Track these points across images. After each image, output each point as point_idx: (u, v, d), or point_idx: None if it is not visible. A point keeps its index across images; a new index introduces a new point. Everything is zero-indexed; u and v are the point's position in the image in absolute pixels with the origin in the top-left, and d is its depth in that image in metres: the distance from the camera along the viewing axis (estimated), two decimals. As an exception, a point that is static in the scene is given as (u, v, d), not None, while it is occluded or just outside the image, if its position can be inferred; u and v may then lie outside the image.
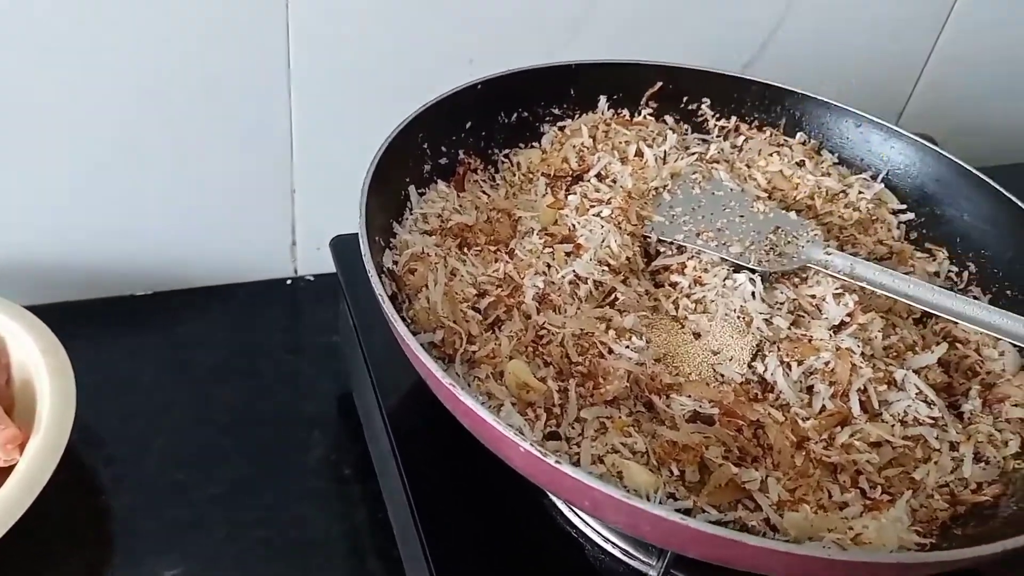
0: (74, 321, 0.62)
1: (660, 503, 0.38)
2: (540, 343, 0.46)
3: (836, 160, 0.66)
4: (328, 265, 0.79)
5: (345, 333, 0.66)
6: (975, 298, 0.58)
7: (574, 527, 0.50)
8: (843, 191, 0.62)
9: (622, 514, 0.34)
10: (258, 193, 0.74)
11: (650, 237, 0.56)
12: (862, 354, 0.48)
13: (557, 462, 0.34)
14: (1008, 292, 0.57)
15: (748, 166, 0.63)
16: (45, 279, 0.71)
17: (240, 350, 0.72)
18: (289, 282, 0.81)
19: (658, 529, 0.34)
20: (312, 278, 0.82)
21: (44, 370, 0.58)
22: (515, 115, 0.62)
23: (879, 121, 0.64)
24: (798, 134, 0.67)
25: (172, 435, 0.64)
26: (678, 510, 0.35)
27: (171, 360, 0.70)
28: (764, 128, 0.67)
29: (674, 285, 0.53)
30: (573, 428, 0.43)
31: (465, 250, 0.51)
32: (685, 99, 0.67)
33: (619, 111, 0.65)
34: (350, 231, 0.66)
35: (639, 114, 0.65)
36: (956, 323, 0.54)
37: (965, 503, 0.45)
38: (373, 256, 0.43)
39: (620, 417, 0.44)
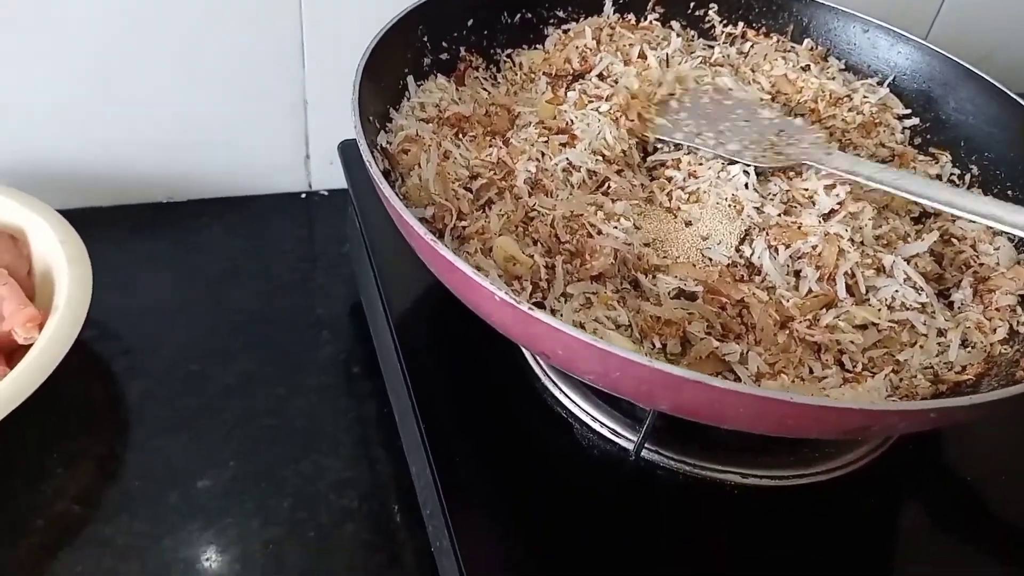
0: (95, 226, 0.64)
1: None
2: (530, 223, 0.47)
3: (843, 66, 0.66)
4: (340, 181, 0.81)
5: (353, 237, 0.68)
6: (976, 198, 0.58)
7: (564, 408, 0.51)
8: (848, 95, 0.62)
9: (593, 361, 0.35)
10: (271, 105, 0.76)
11: (648, 136, 0.56)
12: (851, 240, 0.48)
13: (530, 308, 0.35)
14: (1009, 192, 0.57)
15: (752, 70, 0.63)
16: (68, 184, 0.73)
17: (254, 257, 0.74)
18: (303, 196, 0.83)
19: (627, 374, 0.35)
20: (326, 192, 0.83)
21: (63, 259, 0.60)
22: (519, 15, 0.62)
23: (886, 26, 0.64)
24: (805, 40, 0.66)
25: (186, 331, 0.67)
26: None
27: (186, 264, 0.73)
28: (771, 34, 0.66)
29: (669, 179, 0.54)
30: (559, 302, 0.44)
31: (460, 137, 0.52)
32: (692, 5, 0.67)
33: (624, 15, 0.65)
34: (358, 136, 0.68)
35: (645, 19, 0.65)
36: (954, 220, 0.54)
37: (947, 382, 0.45)
38: (366, 133, 0.44)
39: (605, 292, 0.45)
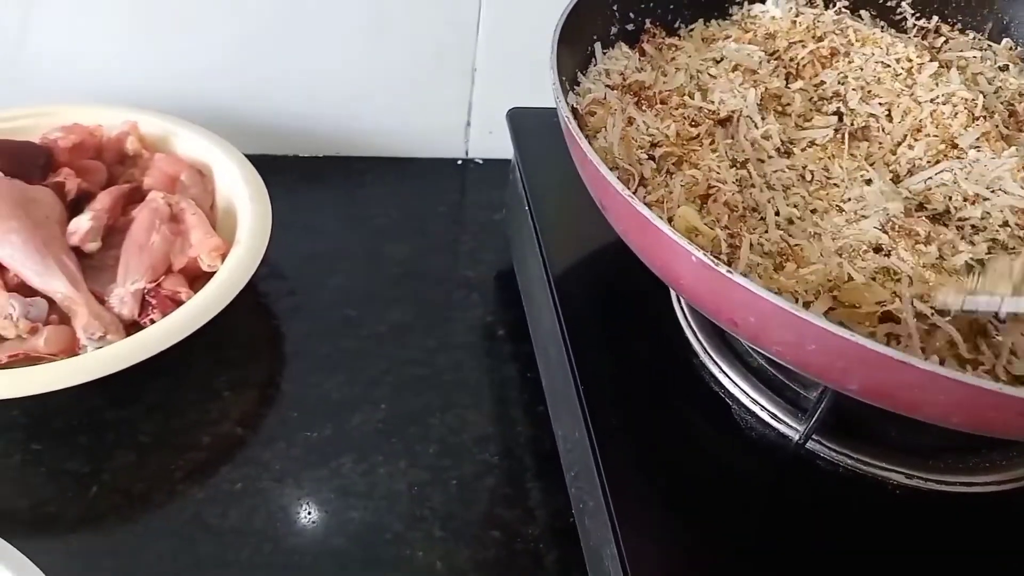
0: (270, 172, 0.67)
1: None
2: (710, 199, 0.47)
3: (1045, 70, 0.62)
4: (497, 151, 0.82)
5: (512, 204, 0.69)
6: None
7: (723, 388, 0.50)
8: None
9: (787, 330, 0.35)
10: (442, 71, 0.78)
11: None
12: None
13: (728, 271, 0.35)
14: None
15: (946, 67, 0.61)
16: (251, 130, 0.78)
17: (411, 215, 0.77)
18: (460, 162, 0.85)
19: (825, 347, 0.34)
20: (481, 161, 0.85)
21: (246, 196, 0.64)
22: (707, -10, 0.62)
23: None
24: (1004, 40, 0.63)
25: (346, 278, 0.69)
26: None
27: (350, 215, 0.76)
28: (967, 31, 0.63)
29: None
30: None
31: (641, 105, 0.52)
32: (885, -6, 0.64)
33: (813, 1, 0.64)
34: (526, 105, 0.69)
35: (833, 5, 0.63)
36: None
37: None
38: (561, 88, 0.45)
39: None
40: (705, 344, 0.52)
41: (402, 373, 0.62)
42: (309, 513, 0.53)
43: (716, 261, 0.35)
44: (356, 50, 0.75)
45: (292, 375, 0.62)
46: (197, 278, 0.60)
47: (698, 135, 0.48)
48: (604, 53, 0.56)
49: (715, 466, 0.48)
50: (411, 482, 0.56)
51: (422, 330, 0.66)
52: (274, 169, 0.75)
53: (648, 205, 0.44)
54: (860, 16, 0.64)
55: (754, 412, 0.49)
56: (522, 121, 0.69)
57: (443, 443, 0.58)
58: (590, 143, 0.46)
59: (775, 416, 0.48)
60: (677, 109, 0.52)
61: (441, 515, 0.54)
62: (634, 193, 0.43)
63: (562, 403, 0.54)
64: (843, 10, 0.63)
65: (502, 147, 0.70)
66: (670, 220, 0.46)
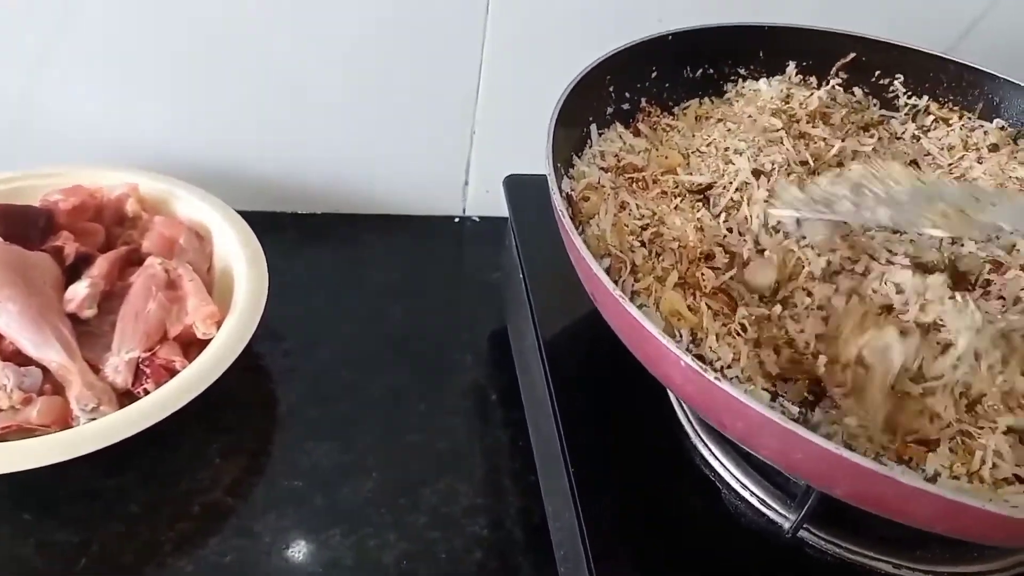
0: (266, 230, 0.68)
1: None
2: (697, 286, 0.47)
3: (1037, 151, 0.63)
4: (493, 209, 0.83)
5: (508, 268, 0.70)
6: None
7: (713, 471, 0.51)
8: (1037, 182, 0.59)
9: (775, 439, 0.35)
10: (441, 132, 0.79)
11: None
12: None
13: (716, 378, 0.35)
14: None
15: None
16: (247, 188, 0.78)
17: (409, 275, 0.77)
18: (457, 220, 0.85)
19: (811, 457, 0.34)
20: (478, 219, 0.86)
21: (243, 260, 0.64)
22: (700, 71, 0.62)
23: (1089, 112, 0.61)
24: (995, 120, 0.64)
25: (343, 339, 0.70)
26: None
27: (347, 274, 0.76)
28: (956, 109, 0.64)
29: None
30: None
31: (633, 186, 0.52)
32: (878, 72, 0.65)
33: (807, 78, 0.65)
34: (522, 172, 0.70)
35: (827, 83, 0.64)
36: None
37: None
38: (556, 175, 0.46)
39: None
40: (697, 427, 0.52)
41: (394, 441, 0.63)
42: (298, 587, 0.53)
43: (704, 367, 0.36)
44: (356, 109, 0.76)
45: (284, 441, 0.62)
46: (193, 344, 0.60)
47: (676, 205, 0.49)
48: (600, 134, 0.56)
49: (706, 555, 0.48)
50: (399, 554, 0.56)
51: (417, 395, 0.66)
52: (273, 226, 0.76)
53: (637, 293, 0.44)
54: (853, 93, 0.65)
55: (744, 498, 0.49)
56: (519, 188, 0.69)
57: (433, 514, 0.58)
58: (583, 230, 0.47)
59: (765, 503, 0.48)
60: (669, 187, 0.52)
61: (429, 590, 0.54)
62: (624, 281, 0.44)
63: (553, 479, 0.54)
64: (836, 88, 0.64)
65: (500, 204, 0.70)
66: (657, 306, 0.46)
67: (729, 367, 0.43)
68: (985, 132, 0.63)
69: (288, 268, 0.74)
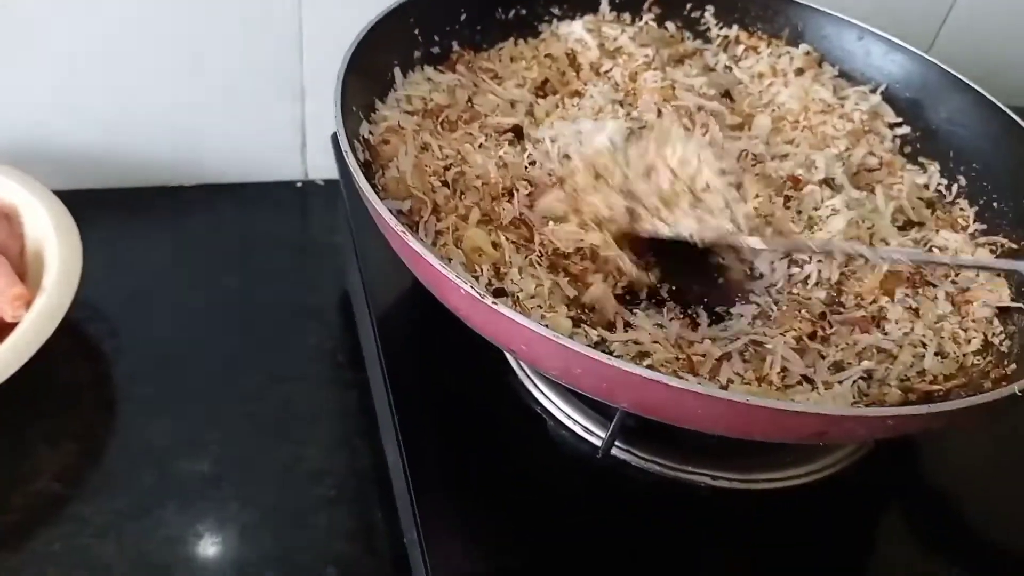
0: (88, 208, 0.64)
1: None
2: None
3: (836, 73, 0.65)
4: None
5: (343, 229, 0.69)
6: (962, 210, 0.58)
7: (539, 404, 0.51)
8: (839, 104, 0.62)
9: (555, 356, 0.36)
10: (269, 92, 0.76)
11: None
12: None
13: (493, 303, 0.35)
14: (995, 204, 0.57)
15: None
16: (66, 165, 0.74)
17: (246, 244, 0.75)
18: (299, 184, 0.83)
19: (588, 371, 0.35)
20: (322, 182, 0.84)
21: (54, 240, 0.61)
22: (513, 11, 0.62)
23: (880, 33, 0.64)
24: (801, 45, 0.66)
25: (174, 314, 0.67)
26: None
27: (178, 248, 0.74)
28: (765, 37, 0.66)
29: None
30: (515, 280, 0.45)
31: (442, 127, 0.52)
32: (688, 6, 0.67)
33: (620, 14, 0.65)
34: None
35: (640, 18, 0.65)
36: (937, 231, 0.54)
37: (917, 391, 0.45)
38: (346, 124, 0.45)
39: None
40: (521, 362, 0.52)
41: (233, 412, 0.61)
42: (134, 568, 0.51)
43: (483, 293, 0.36)
44: (176, 74, 0.73)
45: (115, 422, 0.59)
46: (3, 330, 0.57)
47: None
48: (405, 77, 0.56)
49: (532, 485, 0.48)
50: (243, 524, 0.54)
51: (256, 363, 0.64)
52: (98, 203, 0.73)
53: (441, 232, 0.44)
54: (666, 27, 0.66)
55: (567, 426, 0.50)
56: (346, 144, 0.68)
57: (276, 481, 0.57)
58: (384, 174, 0.46)
59: (587, 429, 0.50)
60: (478, 128, 0.52)
61: (273, 557, 0.53)
62: (426, 222, 0.43)
63: (387, 429, 0.54)
64: (649, 23, 0.65)
65: (343, 165, 0.68)
66: (459, 242, 0.46)
67: (532, 297, 0.44)
68: (791, 58, 0.65)
69: (114, 246, 0.71)
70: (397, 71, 0.55)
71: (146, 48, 0.70)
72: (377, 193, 0.42)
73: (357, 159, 0.43)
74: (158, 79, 0.72)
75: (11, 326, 0.57)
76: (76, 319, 0.58)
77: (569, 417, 0.50)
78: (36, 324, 0.55)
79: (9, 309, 0.56)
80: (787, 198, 0.53)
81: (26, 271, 0.62)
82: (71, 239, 0.61)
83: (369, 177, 0.44)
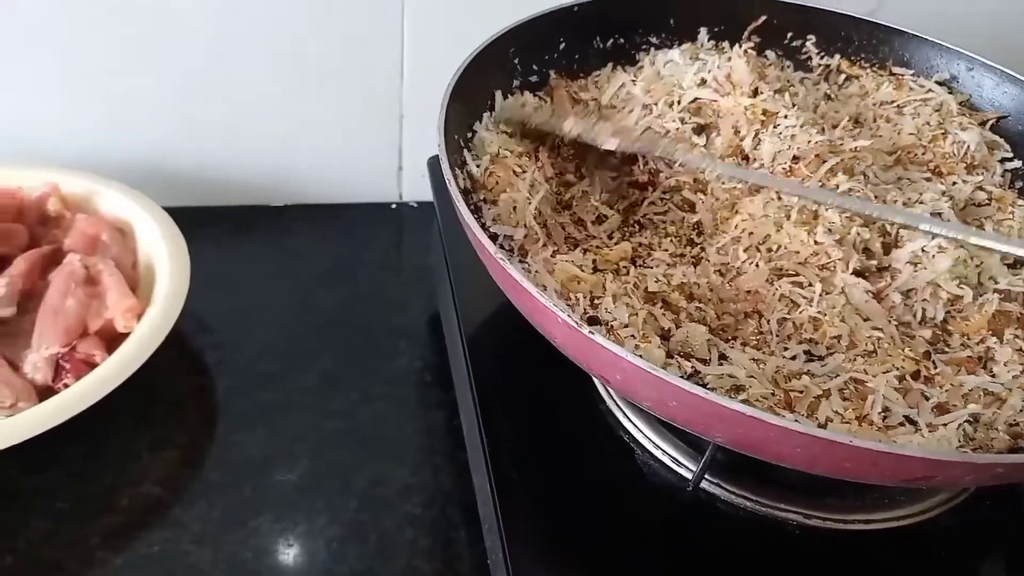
0: (197, 224, 0.68)
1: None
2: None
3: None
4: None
5: (436, 252, 0.70)
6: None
7: (627, 432, 0.51)
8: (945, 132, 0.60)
9: (649, 387, 0.35)
10: (368, 117, 0.79)
11: None
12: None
13: (590, 332, 0.36)
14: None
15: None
16: (175, 184, 0.78)
17: (342, 263, 0.77)
18: (394, 206, 0.85)
19: (683, 404, 0.35)
20: (416, 204, 0.85)
21: (164, 255, 0.64)
22: (611, 41, 0.63)
23: (992, 64, 0.61)
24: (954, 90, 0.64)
25: (273, 329, 0.70)
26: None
27: (278, 265, 0.76)
28: (867, 67, 0.65)
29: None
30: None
31: (540, 152, 0.52)
32: (790, 35, 0.66)
33: (719, 44, 0.65)
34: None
35: (739, 47, 0.64)
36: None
37: (1026, 438, 0.43)
38: (449, 152, 0.46)
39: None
40: (611, 390, 0.52)
41: (325, 427, 0.63)
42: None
43: (579, 323, 0.36)
44: (281, 97, 0.76)
45: (215, 433, 0.62)
46: (115, 340, 0.60)
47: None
48: (505, 100, 0.56)
49: (619, 515, 0.48)
50: (329, 538, 0.56)
51: (348, 381, 0.66)
52: (203, 221, 0.75)
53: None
54: (766, 56, 0.66)
55: (656, 456, 0.50)
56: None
57: (363, 497, 0.58)
58: (497, 203, 0.47)
59: (676, 460, 0.49)
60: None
61: (358, 571, 0.54)
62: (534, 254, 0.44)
63: (474, 451, 0.54)
64: (749, 52, 0.64)
65: (438, 188, 0.70)
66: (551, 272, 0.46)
67: (626, 326, 0.43)
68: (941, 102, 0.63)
69: (219, 262, 0.73)
70: (498, 95, 0.56)
71: (252, 69, 0.73)
72: (478, 220, 0.43)
73: (458, 185, 0.44)
74: (262, 100, 0.75)
75: (123, 336, 0.60)
76: (185, 331, 0.61)
77: (659, 448, 0.50)
78: (146, 335, 0.58)
79: (121, 320, 0.59)
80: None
81: (138, 284, 0.65)
82: (180, 254, 0.64)
83: (468, 202, 0.45)
